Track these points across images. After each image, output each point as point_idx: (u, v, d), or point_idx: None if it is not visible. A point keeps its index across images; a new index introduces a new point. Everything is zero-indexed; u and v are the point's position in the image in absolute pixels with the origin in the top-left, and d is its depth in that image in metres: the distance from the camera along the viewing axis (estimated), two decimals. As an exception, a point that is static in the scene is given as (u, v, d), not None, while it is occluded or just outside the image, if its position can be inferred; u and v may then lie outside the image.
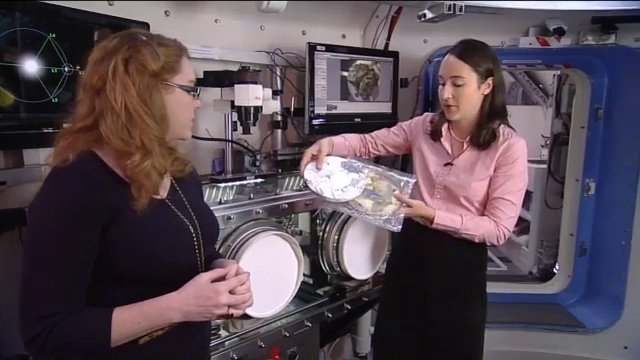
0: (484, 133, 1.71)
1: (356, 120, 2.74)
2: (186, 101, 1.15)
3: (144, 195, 1.07)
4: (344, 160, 1.82)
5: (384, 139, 1.98)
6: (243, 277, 1.15)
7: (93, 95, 1.06)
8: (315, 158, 1.78)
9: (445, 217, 1.72)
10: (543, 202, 3.83)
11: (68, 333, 1.00)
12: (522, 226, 4.22)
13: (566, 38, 2.78)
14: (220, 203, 1.78)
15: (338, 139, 1.92)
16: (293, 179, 2.30)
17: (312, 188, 1.69)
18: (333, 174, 1.75)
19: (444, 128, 1.82)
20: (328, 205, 1.69)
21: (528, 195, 4.04)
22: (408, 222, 1.75)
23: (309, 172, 1.74)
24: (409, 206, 1.68)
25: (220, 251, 1.75)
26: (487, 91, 1.70)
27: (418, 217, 1.74)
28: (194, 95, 1.18)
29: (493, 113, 1.71)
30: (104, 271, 1.05)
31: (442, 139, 1.82)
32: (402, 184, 1.75)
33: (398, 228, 1.64)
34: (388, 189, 1.74)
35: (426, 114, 1.97)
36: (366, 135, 2.01)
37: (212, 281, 1.10)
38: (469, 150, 1.77)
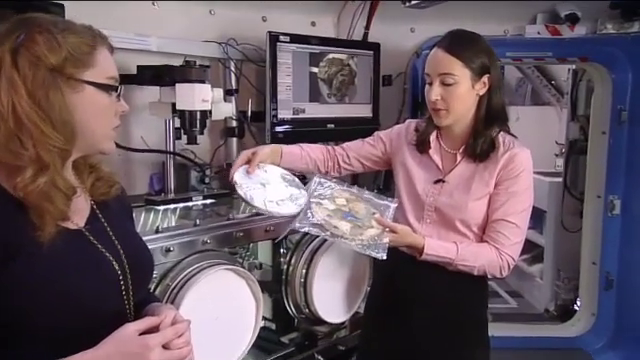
0: (481, 142, 1.75)
1: (329, 126, 2.77)
2: (103, 103, 1.14)
3: (49, 223, 1.05)
4: (285, 173, 1.85)
5: (357, 151, 2.00)
6: (181, 327, 1.14)
7: None
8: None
9: (437, 246, 1.73)
10: (559, 223, 3.92)
11: None
12: (534, 253, 4.29)
13: (581, 26, 2.89)
14: (157, 231, 1.78)
15: (290, 148, 1.93)
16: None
17: (241, 193, 1.71)
18: (269, 184, 1.78)
19: (432, 137, 1.85)
20: (298, 225, 1.70)
21: (541, 215, 4.13)
22: (392, 253, 1.75)
23: (240, 175, 1.76)
24: (393, 232, 1.70)
25: (156, 293, 1.74)
26: (483, 91, 1.74)
27: (404, 246, 1.76)
28: (116, 96, 1.17)
29: (491, 118, 1.76)
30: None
31: (430, 151, 1.83)
32: (382, 208, 1.78)
33: (383, 255, 1.66)
34: (367, 212, 1.76)
35: (409, 121, 2.00)
36: (335, 146, 2.03)
37: (141, 333, 1.09)
38: (463, 163, 1.79)
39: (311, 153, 1.95)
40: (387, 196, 1.87)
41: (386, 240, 1.68)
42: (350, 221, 1.72)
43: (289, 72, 2.60)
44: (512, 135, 1.81)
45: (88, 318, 1.10)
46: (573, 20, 2.84)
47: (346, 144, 2.03)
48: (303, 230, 1.71)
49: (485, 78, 1.72)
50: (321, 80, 2.74)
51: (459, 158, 1.80)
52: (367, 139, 2.02)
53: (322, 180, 1.85)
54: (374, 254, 1.66)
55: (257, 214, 2.07)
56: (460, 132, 1.79)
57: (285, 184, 1.81)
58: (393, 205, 1.79)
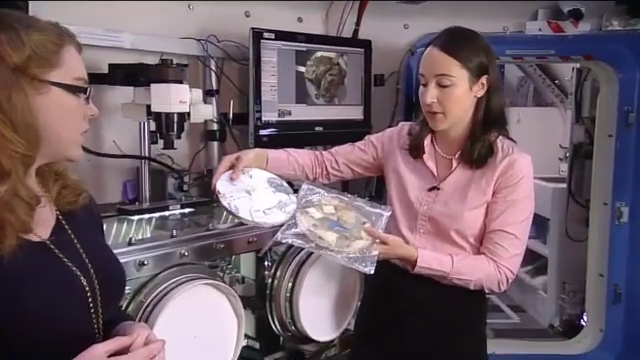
0: (478, 147, 1.76)
1: (317, 129, 2.78)
2: (70, 106, 1.14)
3: (9, 235, 1.04)
4: (272, 177, 1.85)
5: (347, 156, 2.00)
6: (155, 347, 1.14)
7: None
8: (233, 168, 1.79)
9: (431, 258, 1.73)
10: (563, 232, 3.94)
11: None
12: (538, 264, 4.32)
13: (585, 22, 2.92)
14: (130, 243, 1.77)
15: (277, 153, 1.93)
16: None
17: (225, 204, 1.70)
18: (255, 190, 1.77)
19: (427, 142, 1.85)
20: (281, 236, 1.70)
21: (544, 224, 4.15)
22: (383, 265, 1.76)
23: (224, 183, 1.74)
24: (384, 243, 1.71)
25: (128, 310, 1.73)
26: (481, 93, 1.75)
27: (396, 258, 1.77)
28: (84, 98, 1.17)
29: (489, 121, 1.77)
30: None
31: (425, 156, 1.84)
32: (373, 217, 1.78)
33: (371, 270, 1.66)
34: (356, 221, 1.77)
35: (402, 124, 2.01)
36: (323, 152, 2.04)
37: (110, 355, 1.09)
38: (460, 170, 1.80)
39: (299, 158, 1.95)
40: (380, 204, 1.87)
41: (375, 253, 1.68)
42: (337, 231, 1.71)
43: (274, 71, 2.60)
44: (511, 140, 1.82)
45: (52, 338, 1.09)
46: (577, 16, 2.87)
47: (335, 149, 2.04)
48: (286, 242, 1.71)
49: (483, 79, 1.73)
50: (308, 80, 2.75)
51: (455, 164, 1.81)
52: (357, 143, 2.02)
53: (311, 186, 1.85)
54: (361, 268, 1.65)
55: (240, 224, 2.07)
56: (456, 136, 1.80)
57: (272, 190, 1.80)
58: (386, 214, 1.79)
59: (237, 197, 1.72)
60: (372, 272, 1.65)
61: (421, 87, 1.76)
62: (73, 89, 1.14)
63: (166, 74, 2.05)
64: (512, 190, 1.74)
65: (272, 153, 1.91)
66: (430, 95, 1.71)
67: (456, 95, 1.71)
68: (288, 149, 1.97)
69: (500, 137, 1.79)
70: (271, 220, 1.71)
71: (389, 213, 1.80)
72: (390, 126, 2.09)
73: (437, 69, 1.71)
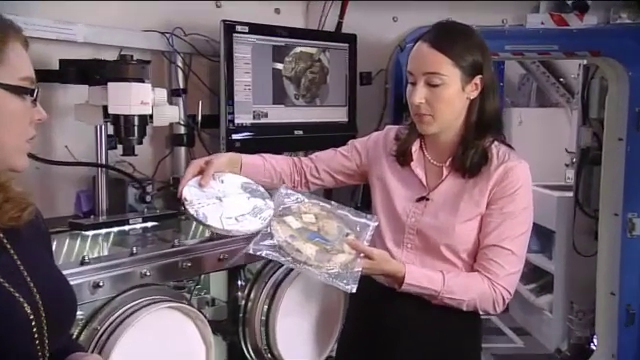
0: (471, 154, 1.76)
1: (296, 133, 2.78)
2: (14, 110, 1.13)
3: None
4: (247, 181, 1.83)
5: (328, 163, 2.00)
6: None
7: None
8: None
9: (420, 275, 1.72)
10: (570, 246, 3.96)
11: None
12: (542, 282, 4.34)
13: (591, 15, 2.95)
14: (83, 262, 1.74)
15: (252, 158, 1.93)
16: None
17: (192, 211, 1.67)
18: (227, 197, 1.76)
19: (415, 148, 1.86)
20: (253, 248, 1.69)
21: (549, 236, 4.18)
22: (368, 283, 1.76)
23: (191, 190, 1.72)
24: (369, 258, 1.70)
25: (80, 339, 1.71)
26: (474, 94, 1.75)
27: (381, 275, 1.76)
28: (31, 100, 1.15)
29: (483, 125, 1.77)
30: None
31: (412, 164, 1.85)
32: (358, 227, 1.78)
33: (352, 288, 1.64)
34: (339, 232, 1.76)
35: (388, 128, 2.02)
36: (302, 158, 2.04)
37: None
38: (451, 178, 1.80)
39: (276, 165, 1.95)
40: (367, 213, 1.87)
41: (358, 269, 1.67)
42: (317, 243, 1.71)
43: (248, 69, 2.60)
44: (508, 146, 1.83)
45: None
46: (582, 8, 2.90)
47: (315, 155, 2.04)
48: (259, 254, 1.68)
49: (477, 79, 1.74)
50: (287, 78, 2.75)
51: (445, 172, 1.82)
52: (340, 149, 2.03)
53: (289, 192, 1.84)
54: (342, 286, 1.64)
55: (210, 239, 2.06)
56: (447, 142, 1.81)
57: (247, 195, 1.78)
58: (372, 224, 1.78)
59: (206, 204, 1.70)
60: (354, 291, 1.64)
61: (409, 86, 1.77)
62: (18, 90, 1.13)
63: (125, 71, 2.03)
64: (508, 201, 1.74)
65: (247, 158, 1.90)
66: (418, 95, 1.72)
67: (447, 96, 1.71)
68: (264, 154, 1.97)
69: (495, 143, 1.80)
70: (244, 228, 1.69)
71: (376, 223, 1.80)
72: (377, 129, 2.08)
73: (426, 67, 1.71)
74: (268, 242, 1.69)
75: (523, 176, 1.76)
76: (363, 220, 1.80)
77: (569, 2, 2.90)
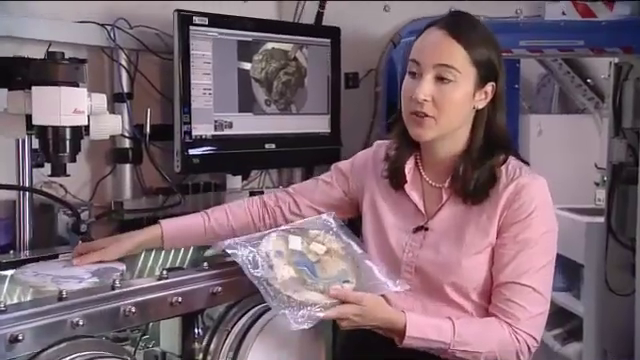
0: (476, 175, 1.76)
1: (268, 147, 2.77)
2: None
3: None
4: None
5: (310, 195, 2.01)
6: None
7: None
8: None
9: (424, 325, 1.69)
10: (602, 283, 3.95)
11: None
12: (570, 326, 4.33)
13: (623, 4, 2.98)
14: (-1, 310, 1.71)
15: (182, 222, 1.98)
16: (153, 254, 2.25)
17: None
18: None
19: (409, 166, 1.86)
20: (227, 244, 1.75)
21: (577, 271, 4.18)
22: (362, 335, 1.75)
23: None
24: (358, 304, 1.67)
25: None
26: (482, 104, 1.76)
27: (375, 326, 1.73)
28: None
29: (492, 142, 1.78)
30: None
31: (407, 186, 1.85)
32: (373, 284, 1.76)
33: (297, 326, 1.64)
34: (338, 275, 1.76)
35: (379, 144, 2.01)
36: (275, 193, 2.04)
37: None
38: (452, 203, 1.80)
39: (231, 218, 1.99)
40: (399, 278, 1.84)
41: (319, 314, 1.67)
42: (299, 271, 1.73)
43: (208, 69, 2.60)
44: (522, 160, 1.83)
45: None
46: (611, -4, 2.93)
47: (293, 187, 2.06)
48: (230, 252, 1.75)
49: (489, 87, 1.75)
50: (256, 81, 2.75)
51: (445, 196, 1.82)
52: (322, 176, 2.04)
53: (331, 220, 1.88)
54: (289, 318, 1.65)
55: (160, 277, 2.03)
56: (448, 157, 1.81)
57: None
58: (395, 289, 1.75)
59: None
60: (293, 328, 1.65)
61: (407, 77, 1.77)
62: None
63: (54, 72, 1.98)
64: (523, 227, 1.73)
65: (171, 225, 1.96)
66: (424, 90, 1.70)
67: (456, 97, 1.71)
68: (206, 210, 2.01)
69: (506, 159, 1.80)
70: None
71: (398, 289, 1.76)
72: (366, 142, 2.08)
73: (440, 57, 1.71)
74: (250, 248, 1.74)
75: (539, 194, 1.75)
76: (383, 279, 1.76)
77: (596, -12, 2.93)
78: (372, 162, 1.96)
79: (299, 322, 1.65)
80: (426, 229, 1.81)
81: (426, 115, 1.73)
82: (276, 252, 1.74)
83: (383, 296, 1.78)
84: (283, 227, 1.84)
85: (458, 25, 1.74)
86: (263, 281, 1.70)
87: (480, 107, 1.76)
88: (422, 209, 1.83)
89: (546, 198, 1.76)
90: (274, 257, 1.73)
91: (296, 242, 1.79)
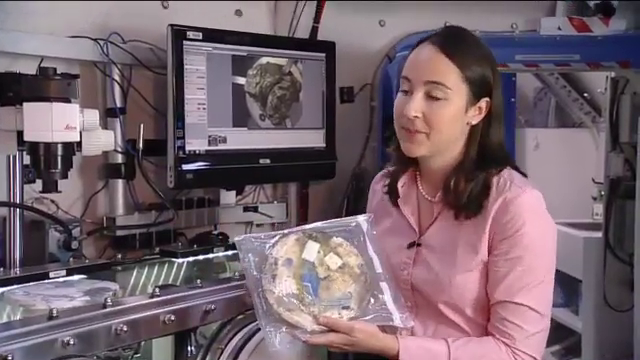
0: (469, 187, 1.74)
1: (262, 162, 2.76)
2: None
3: None
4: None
5: None
6: None
7: None
8: None
9: (417, 349, 1.69)
10: (601, 299, 3.94)
11: None
12: (568, 343, 4.32)
13: (619, 19, 2.98)
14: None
15: None
16: (146, 271, 2.27)
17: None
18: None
19: (402, 181, 1.86)
20: (245, 237, 1.74)
21: (575, 287, 4.16)
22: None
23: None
24: (348, 334, 1.64)
25: None
26: (476, 120, 1.75)
27: (368, 352, 1.70)
28: None
29: (487, 158, 1.77)
30: None
31: (399, 200, 1.86)
32: (371, 315, 1.71)
33: (274, 348, 1.64)
34: (339, 298, 1.73)
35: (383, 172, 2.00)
36: None
37: None
38: (443, 218, 1.79)
39: None
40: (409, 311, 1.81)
41: (302, 338, 1.66)
42: (301, 287, 1.71)
43: (202, 84, 2.60)
44: (517, 170, 1.80)
45: None
46: (607, 11, 2.93)
47: None
48: (238, 248, 1.74)
49: (483, 102, 1.74)
50: (250, 96, 2.75)
51: (436, 210, 1.80)
52: None
53: (363, 222, 1.82)
54: (267, 337, 1.65)
55: (152, 295, 2.01)
56: (442, 169, 1.79)
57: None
58: (397, 323, 1.72)
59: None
60: (272, 350, 1.64)
61: (400, 95, 1.76)
62: None
63: (46, 88, 2.00)
64: (514, 243, 1.70)
65: None
66: (414, 107, 1.70)
67: (447, 114, 1.70)
68: None
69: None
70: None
71: (402, 325, 1.73)
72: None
73: (430, 74, 1.70)
74: (256, 245, 1.73)
75: (529, 207, 1.71)
76: (391, 309, 1.72)
77: (591, 3, 2.92)
78: (380, 185, 1.97)
79: (276, 344, 1.65)
80: (419, 245, 1.80)
81: (417, 131, 1.72)
82: (286, 260, 1.71)
83: None
84: (310, 226, 1.79)
85: (451, 41, 1.73)
86: (259, 290, 1.69)
87: (474, 122, 1.75)
88: (414, 224, 1.83)
89: (537, 210, 1.73)
90: (281, 265, 1.70)
91: (312, 251, 1.75)
